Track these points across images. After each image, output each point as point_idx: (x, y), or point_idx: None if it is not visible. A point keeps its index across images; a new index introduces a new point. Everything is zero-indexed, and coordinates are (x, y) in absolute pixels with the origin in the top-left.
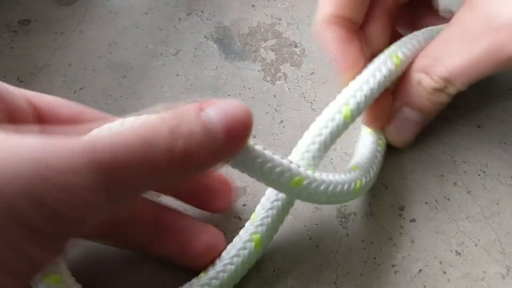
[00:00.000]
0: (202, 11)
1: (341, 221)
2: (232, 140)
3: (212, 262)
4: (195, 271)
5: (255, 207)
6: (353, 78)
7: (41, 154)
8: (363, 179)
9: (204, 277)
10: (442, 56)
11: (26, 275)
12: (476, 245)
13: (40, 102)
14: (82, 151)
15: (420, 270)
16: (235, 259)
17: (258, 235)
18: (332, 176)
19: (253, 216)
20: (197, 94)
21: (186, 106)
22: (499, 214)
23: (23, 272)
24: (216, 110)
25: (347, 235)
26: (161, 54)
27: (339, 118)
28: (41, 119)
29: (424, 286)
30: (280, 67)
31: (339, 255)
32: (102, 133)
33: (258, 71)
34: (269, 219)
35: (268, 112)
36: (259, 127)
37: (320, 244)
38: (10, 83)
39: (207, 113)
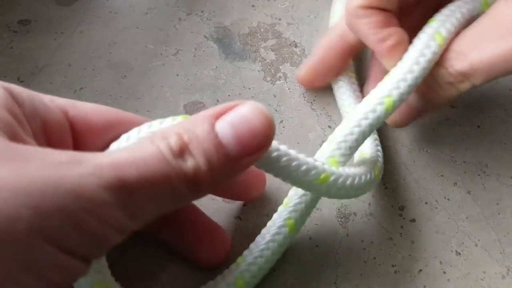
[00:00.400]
0: (202, 11)
1: (341, 221)
2: (248, 154)
3: (216, 264)
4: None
5: (255, 207)
6: (398, 60)
7: (77, 186)
8: (379, 165)
9: (242, 263)
10: (469, 49)
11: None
12: (476, 245)
13: (75, 112)
14: (102, 172)
15: (420, 270)
16: (270, 244)
17: (292, 220)
18: (353, 169)
19: (285, 201)
20: (197, 94)
21: (198, 118)
22: (499, 214)
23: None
24: (231, 123)
25: (347, 235)
26: (161, 54)
27: (380, 110)
28: (76, 129)
29: (424, 286)
30: (280, 67)
31: (339, 255)
32: (119, 156)
33: (258, 71)
34: (303, 205)
35: None
36: None
37: (320, 244)
38: (10, 83)
39: (220, 127)
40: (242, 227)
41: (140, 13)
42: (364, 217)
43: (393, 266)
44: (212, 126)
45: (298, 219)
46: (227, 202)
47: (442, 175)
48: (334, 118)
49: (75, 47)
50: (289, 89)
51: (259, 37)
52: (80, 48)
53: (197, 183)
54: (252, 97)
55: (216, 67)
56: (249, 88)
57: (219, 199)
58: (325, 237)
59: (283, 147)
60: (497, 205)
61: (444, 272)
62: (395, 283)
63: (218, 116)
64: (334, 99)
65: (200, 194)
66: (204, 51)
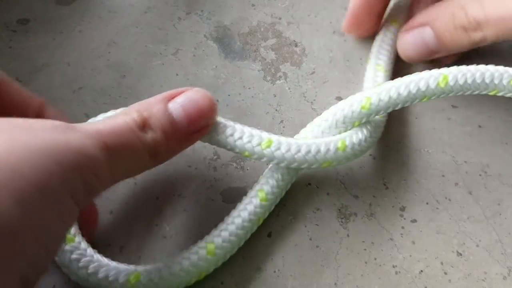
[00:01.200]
0: (202, 11)
1: (341, 222)
2: (196, 129)
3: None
4: None
5: None
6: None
7: (82, 146)
8: (347, 139)
9: (214, 231)
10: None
11: (57, 244)
12: (478, 246)
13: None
14: (93, 137)
15: (421, 270)
16: (241, 212)
17: (263, 191)
18: (311, 140)
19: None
20: None
21: (153, 100)
22: (500, 214)
23: (56, 240)
24: (178, 99)
25: (348, 236)
26: (160, 53)
27: (357, 106)
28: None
29: (425, 287)
30: (280, 66)
31: (339, 255)
32: (100, 126)
33: (258, 70)
34: (275, 176)
35: (268, 112)
36: (259, 127)
37: (321, 244)
38: None
39: (173, 107)
40: None
41: (140, 12)
42: (364, 217)
43: (394, 267)
44: (166, 106)
45: (270, 190)
46: (227, 202)
47: (443, 175)
48: None
49: (74, 46)
50: (289, 89)
51: (259, 36)
52: (79, 48)
53: (156, 153)
54: (252, 96)
55: (216, 66)
56: (249, 88)
57: (219, 199)
58: (325, 237)
59: (229, 122)
60: (499, 205)
61: (445, 273)
62: (396, 283)
63: (170, 98)
64: (335, 99)
65: (157, 162)
66: (203, 50)
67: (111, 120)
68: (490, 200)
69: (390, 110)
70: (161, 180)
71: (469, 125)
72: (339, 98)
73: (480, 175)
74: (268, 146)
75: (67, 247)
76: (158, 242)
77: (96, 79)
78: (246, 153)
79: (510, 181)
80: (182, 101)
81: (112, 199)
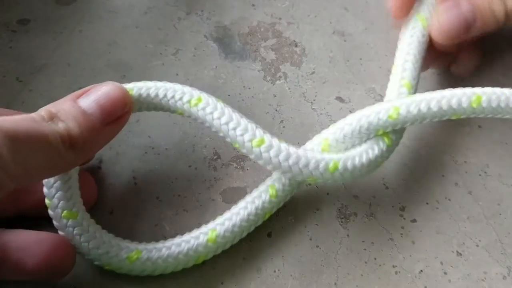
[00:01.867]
0: (202, 11)
1: (341, 222)
2: (112, 121)
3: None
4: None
5: None
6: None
7: None
8: (341, 160)
9: (220, 218)
10: None
11: None
12: (477, 246)
13: None
14: None
15: (421, 270)
16: (249, 204)
17: (274, 187)
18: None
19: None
20: None
21: (62, 99)
22: (500, 214)
23: None
24: (90, 95)
25: (348, 236)
26: (160, 53)
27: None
28: None
29: (425, 287)
30: (280, 66)
31: (339, 255)
32: (4, 119)
33: (258, 70)
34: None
35: (268, 112)
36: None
37: (321, 244)
38: (9, 82)
39: (83, 101)
40: None
41: (140, 12)
42: (364, 217)
43: (393, 267)
44: (75, 101)
45: (281, 188)
46: (227, 202)
47: (443, 175)
48: (334, 118)
49: (75, 46)
50: (289, 89)
51: (259, 36)
52: (80, 48)
53: (72, 143)
54: (252, 96)
55: (216, 66)
56: (249, 88)
57: (219, 199)
58: (325, 237)
59: (228, 109)
60: (498, 205)
61: (445, 273)
62: (396, 283)
63: (78, 96)
64: (335, 99)
65: (77, 153)
66: (204, 50)
67: (16, 117)
68: (490, 200)
69: (416, 123)
70: (161, 180)
71: (469, 125)
72: (339, 98)
73: (480, 175)
74: (259, 145)
75: (70, 222)
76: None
77: (96, 79)
78: (236, 145)
79: (510, 181)
80: (92, 94)
81: (112, 199)
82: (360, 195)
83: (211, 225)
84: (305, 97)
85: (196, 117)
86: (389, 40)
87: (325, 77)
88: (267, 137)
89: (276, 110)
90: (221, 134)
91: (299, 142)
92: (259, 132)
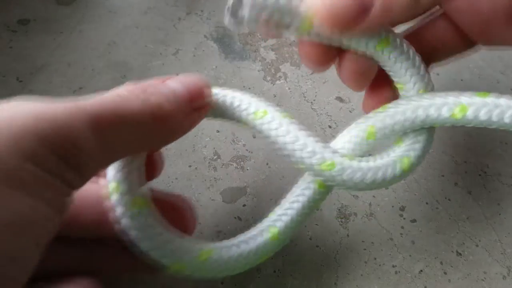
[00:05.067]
0: (202, 11)
1: (341, 222)
2: (198, 102)
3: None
4: None
5: (255, 207)
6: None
7: (60, 115)
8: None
9: (273, 215)
10: None
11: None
12: (477, 246)
13: None
14: (78, 109)
15: (421, 270)
16: (300, 197)
17: (319, 180)
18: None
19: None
20: None
21: (149, 81)
22: (500, 214)
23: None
24: (177, 79)
25: (348, 236)
26: (160, 53)
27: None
28: None
29: (425, 287)
30: (280, 66)
31: (339, 255)
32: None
33: (258, 71)
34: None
35: None
36: None
37: (321, 244)
38: (9, 82)
39: (169, 82)
40: (242, 227)
41: (140, 12)
42: (364, 217)
43: (393, 267)
44: (162, 81)
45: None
46: (227, 202)
47: (443, 175)
48: (334, 118)
49: (74, 46)
50: (289, 89)
51: (259, 36)
52: (79, 48)
53: (163, 119)
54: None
55: (216, 67)
56: (249, 88)
57: (219, 199)
58: (325, 237)
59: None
60: (498, 205)
61: (445, 273)
62: (396, 283)
63: (163, 80)
64: (335, 99)
65: (165, 130)
66: (204, 50)
67: (101, 97)
68: (490, 200)
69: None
70: (161, 180)
71: None
72: (339, 98)
73: (479, 175)
74: (330, 169)
75: (139, 211)
76: None
77: (96, 79)
78: (302, 166)
79: (510, 181)
80: (178, 78)
81: None
82: (360, 195)
83: (267, 221)
84: (305, 97)
85: (260, 131)
86: None
87: (325, 77)
88: (337, 159)
89: None
90: (285, 153)
91: None
92: (328, 154)
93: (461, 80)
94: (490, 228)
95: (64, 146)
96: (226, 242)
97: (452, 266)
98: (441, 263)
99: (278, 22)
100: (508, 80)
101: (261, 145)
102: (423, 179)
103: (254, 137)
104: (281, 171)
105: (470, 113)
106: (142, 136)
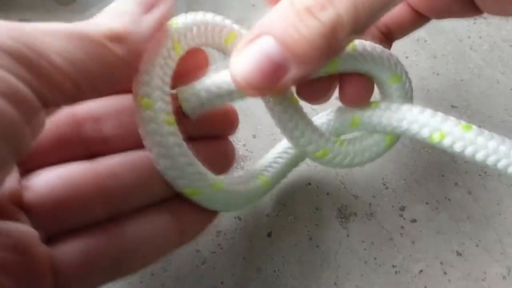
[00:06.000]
0: (202, 11)
1: (341, 222)
2: (146, 4)
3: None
4: None
5: (256, 207)
6: None
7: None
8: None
9: (259, 165)
10: None
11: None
12: (477, 246)
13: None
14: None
15: (421, 270)
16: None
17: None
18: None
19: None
20: None
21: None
22: (500, 214)
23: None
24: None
25: (348, 236)
26: None
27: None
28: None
29: (425, 287)
30: None
31: (339, 255)
32: None
33: None
34: None
35: (268, 112)
36: (259, 127)
37: (321, 244)
38: None
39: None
40: (242, 227)
41: None
42: (364, 217)
43: (393, 267)
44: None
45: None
46: None
47: (443, 175)
48: None
49: None
50: None
51: None
52: None
53: (117, 37)
54: None
55: (216, 67)
56: None
57: None
58: (325, 237)
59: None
60: (498, 205)
61: (445, 273)
62: (396, 283)
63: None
64: (335, 98)
65: (124, 47)
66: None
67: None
68: (490, 200)
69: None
70: None
71: None
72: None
73: (479, 175)
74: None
75: (170, 129)
76: None
77: None
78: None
79: (510, 181)
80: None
81: None
82: (360, 195)
83: (255, 172)
84: None
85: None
86: None
87: None
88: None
89: None
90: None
91: None
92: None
93: (461, 80)
94: (490, 228)
95: (26, 53)
96: (234, 177)
97: (452, 266)
98: (441, 263)
99: (222, 102)
100: (508, 80)
101: (261, 145)
102: (423, 179)
103: (254, 137)
104: None
105: (446, 142)
106: (102, 53)
